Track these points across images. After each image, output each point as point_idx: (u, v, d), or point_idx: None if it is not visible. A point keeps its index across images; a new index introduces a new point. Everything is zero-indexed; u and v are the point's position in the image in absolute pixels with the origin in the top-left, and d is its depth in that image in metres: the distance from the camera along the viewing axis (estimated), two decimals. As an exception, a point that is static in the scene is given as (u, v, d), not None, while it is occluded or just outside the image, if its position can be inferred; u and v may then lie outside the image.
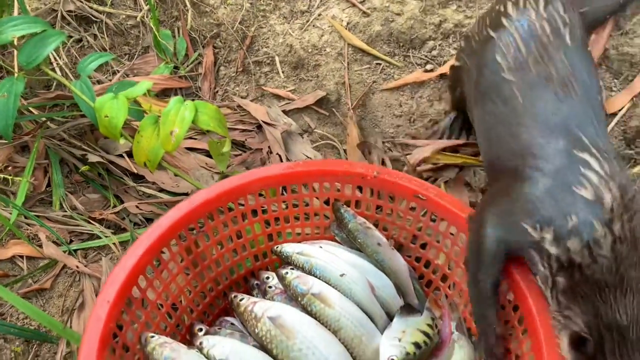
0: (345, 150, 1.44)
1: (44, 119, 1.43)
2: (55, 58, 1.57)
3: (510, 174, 0.91)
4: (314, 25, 1.58)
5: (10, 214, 1.23)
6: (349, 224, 1.09)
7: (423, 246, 1.11)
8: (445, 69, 1.48)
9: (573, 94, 0.91)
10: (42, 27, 1.19)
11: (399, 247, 1.12)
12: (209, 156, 1.45)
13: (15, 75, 1.21)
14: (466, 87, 1.17)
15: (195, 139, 1.51)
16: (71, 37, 1.65)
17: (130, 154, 1.42)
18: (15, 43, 1.20)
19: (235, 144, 1.47)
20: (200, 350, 0.90)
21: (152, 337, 0.90)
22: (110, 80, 1.60)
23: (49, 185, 1.39)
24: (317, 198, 1.14)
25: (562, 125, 0.89)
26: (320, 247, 1.08)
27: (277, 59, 1.57)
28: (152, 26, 1.59)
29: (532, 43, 0.96)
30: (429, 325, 1.00)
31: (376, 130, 1.46)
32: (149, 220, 1.30)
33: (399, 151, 1.40)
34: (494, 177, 1.03)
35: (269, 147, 1.46)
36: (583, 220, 0.78)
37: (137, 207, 1.33)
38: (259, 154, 1.46)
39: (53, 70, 1.51)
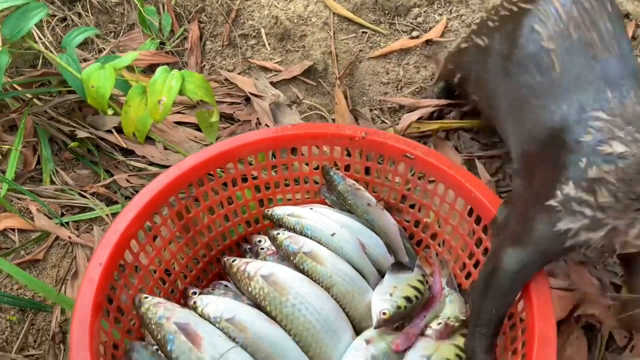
0: (334, 120, 1.44)
1: (30, 96, 1.42)
2: (40, 37, 1.56)
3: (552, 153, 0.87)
4: (299, -4, 1.57)
5: (1, 188, 1.22)
6: (338, 186, 1.10)
7: (412, 206, 1.12)
8: (431, 35, 1.49)
9: (614, 59, 0.91)
10: (24, 0, 1.18)
11: (389, 208, 1.13)
12: (198, 130, 1.45)
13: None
14: (476, 68, 1.15)
15: (184, 113, 1.51)
16: (55, 15, 1.64)
17: (119, 130, 1.42)
18: (-2, 17, 1.20)
19: (224, 117, 1.48)
20: (195, 309, 0.91)
21: (146, 297, 0.90)
22: (96, 57, 1.60)
23: (38, 163, 1.38)
24: (306, 163, 1.15)
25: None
26: (311, 208, 1.08)
27: (262, 31, 1.57)
28: (137, 3, 1.58)
29: (574, 9, 0.96)
30: (419, 281, 1.01)
31: (364, 99, 1.46)
32: (140, 193, 1.30)
33: (386, 118, 1.41)
34: (528, 168, 0.95)
35: (257, 118, 1.46)
36: None
37: (127, 180, 1.33)
38: (248, 125, 1.47)
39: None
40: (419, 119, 1.33)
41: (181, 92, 1.17)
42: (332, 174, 1.11)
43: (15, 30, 1.16)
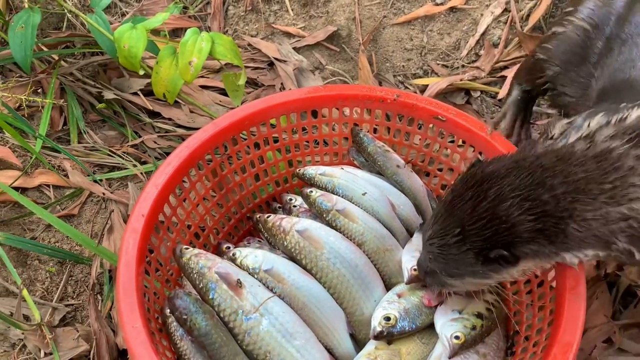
0: (357, 86, 1.45)
1: (56, 57, 1.43)
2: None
3: None
4: (322, -40, 1.57)
5: (35, 146, 1.24)
6: (368, 148, 1.12)
7: (440, 169, 1.14)
8: (455, 2, 1.49)
9: None
10: (57, -41, 1.18)
11: (417, 170, 1.15)
12: (223, 93, 1.46)
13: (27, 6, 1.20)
14: (580, 50, 1.04)
15: (208, 77, 1.52)
16: (78, -22, 1.64)
17: (145, 92, 1.43)
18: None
19: (248, 82, 1.49)
20: (233, 260, 0.94)
21: (187, 248, 0.93)
22: (120, 21, 1.60)
23: (64, 124, 1.40)
24: (336, 124, 1.17)
25: None
26: (342, 168, 1.11)
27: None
28: (161, -35, 1.58)
29: None
30: (447, 240, 1.04)
31: (387, 65, 1.48)
32: (168, 154, 1.32)
33: (410, 84, 1.43)
34: None
35: (281, 83, 1.48)
36: None
37: (154, 142, 1.35)
38: (272, 90, 1.48)
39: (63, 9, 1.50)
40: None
41: (211, 54, 1.19)
42: (361, 135, 1.13)
43: (48, -11, 1.16)
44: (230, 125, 1.04)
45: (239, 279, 0.89)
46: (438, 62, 1.45)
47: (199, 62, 1.17)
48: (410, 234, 1.07)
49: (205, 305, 0.88)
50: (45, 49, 1.46)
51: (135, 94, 1.44)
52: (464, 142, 1.08)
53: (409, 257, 0.99)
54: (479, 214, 0.77)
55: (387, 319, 0.91)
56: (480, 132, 1.04)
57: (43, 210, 0.98)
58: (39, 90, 1.45)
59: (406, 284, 0.97)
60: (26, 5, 1.31)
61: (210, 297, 0.88)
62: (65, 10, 1.31)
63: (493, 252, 0.78)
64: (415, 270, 0.95)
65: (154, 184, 0.95)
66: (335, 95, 1.10)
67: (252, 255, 0.94)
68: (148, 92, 1.43)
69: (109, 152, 1.30)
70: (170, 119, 1.42)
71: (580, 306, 0.85)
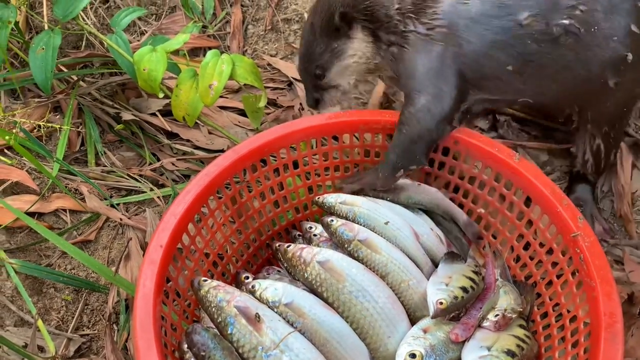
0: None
1: (76, 77, 1.43)
2: (83, 17, 1.56)
3: None
4: (344, -19, 1.55)
5: (51, 170, 1.23)
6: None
7: (465, 196, 1.11)
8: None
9: None
10: (77, -19, 1.18)
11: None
12: (242, 114, 1.45)
13: (47, 27, 1.20)
14: None
15: (227, 97, 1.50)
16: (98, -3, 1.64)
17: (163, 113, 1.42)
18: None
19: (267, 102, 1.46)
20: (253, 293, 0.91)
21: (205, 280, 0.90)
22: (139, 40, 1.60)
23: (82, 145, 1.39)
24: (357, 148, 1.14)
25: None
26: (363, 195, 1.08)
27: (306, 15, 1.55)
28: (181, -16, 1.57)
29: None
30: (473, 271, 1.00)
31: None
32: (186, 177, 1.31)
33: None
34: None
35: (300, 104, 1.46)
36: None
37: (173, 164, 1.33)
38: (291, 111, 1.46)
39: (82, 29, 1.50)
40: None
41: (232, 76, 1.17)
42: None
43: (68, 10, 1.16)
44: (250, 152, 1.02)
45: (257, 313, 0.86)
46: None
47: (219, 85, 1.15)
48: (436, 265, 1.03)
49: (224, 341, 0.85)
50: (64, 69, 1.45)
51: (153, 114, 1.43)
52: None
53: (434, 290, 0.96)
54: (317, 7, 1.06)
55: (413, 355, 0.87)
56: (507, 159, 1.00)
57: (59, 238, 0.97)
58: (57, 108, 1.44)
59: (432, 318, 0.93)
60: (46, 27, 1.31)
61: (229, 332, 0.85)
62: (85, 31, 1.30)
63: (335, 17, 1.01)
64: (441, 303, 0.92)
65: (172, 213, 0.93)
66: (356, 121, 1.07)
67: (272, 287, 0.91)
68: (166, 113, 1.41)
69: (129, 175, 1.29)
70: (188, 140, 1.40)
71: (618, 347, 0.81)
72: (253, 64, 1.20)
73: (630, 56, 0.97)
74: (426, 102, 0.99)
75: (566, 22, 0.94)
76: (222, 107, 1.46)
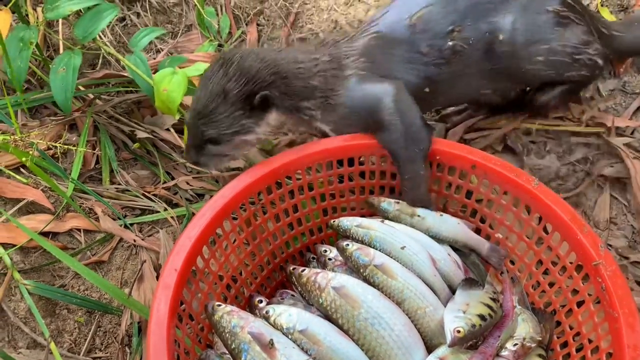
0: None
1: (92, 96, 1.43)
2: (100, 36, 1.58)
3: None
4: (359, 0, 1.55)
5: (67, 188, 1.23)
6: (389, 214, 1.09)
7: (483, 221, 1.09)
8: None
9: None
10: (96, 1, 1.19)
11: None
12: (256, 133, 1.44)
13: (63, 45, 1.21)
14: None
15: (241, 116, 1.50)
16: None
17: (177, 129, 1.42)
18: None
19: (282, 122, 1.46)
20: (267, 319, 0.90)
21: (219, 305, 0.90)
22: (155, 58, 1.60)
23: (96, 163, 1.39)
24: (372, 172, 1.13)
25: None
26: (382, 221, 1.06)
27: (321, 35, 1.56)
28: (197, 3, 1.58)
29: None
30: (491, 298, 0.98)
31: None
32: (200, 196, 1.30)
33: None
34: None
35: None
36: None
37: (187, 183, 1.33)
38: (306, 135, 1.45)
39: (99, 49, 1.51)
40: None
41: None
42: (376, 204, 1.10)
43: (88, 31, 1.17)
44: (265, 175, 1.01)
45: (271, 340, 0.85)
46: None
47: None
48: (453, 291, 1.01)
49: (238, 369, 0.84)
50: (81, 87, 1.46)
51: (167, 130, 1.43)
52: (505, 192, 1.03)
53: (451, 317, 0.94)
54: (233, 74, 1.00)
55: (430, 385, 0.86)
56: (526, 185, 0.99)
57: (72, 260, 0.96)
58: (72, 126, 1.45)
59: (449, 346, 0.91)
60: (61, 44, 1.31)
61: (243, 358, 0.84)
62: (103, 51, 1.30)
63: (257, 97, 1.01)
64: (459, 332, 0.90)
65: (187, 237, 0.92)
66: (372, 144, 1.06)
67: (287, 313, 0.90)
68: (180, 129, 1.41)
69: (143, 194, 1.29)
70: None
71: (642, 382, 0.78)
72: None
73: (501, 36, 1.11)
74: (392, 97, 1.05)
75: (451, 43, 1.10)
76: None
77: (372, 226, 1.04)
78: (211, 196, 1.00)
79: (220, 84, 1.01)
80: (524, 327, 0.96)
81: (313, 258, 1.10)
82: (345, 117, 1.08)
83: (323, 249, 1.07)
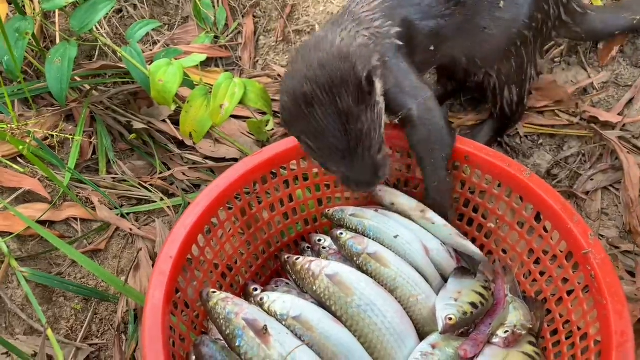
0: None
1: (88, 86, 1.44)
2: (97, 27, 1.58)
3: None
4: (355, -7, 1.56)
5: (64, 177, 1.24)
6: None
7: (475, 210, 1.10)
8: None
9: None
10: (93, -8, 1.19)
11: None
12: (251, 124, 1.45)
13: (60, 36, 1.22)
14: None
15: (238, 106, 1.50)
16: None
17: (173, 121, 1.43)
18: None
19: (277, 113, 1.47)
20: (261, 305, 0.91)
21: (214, 292, 0.91)
22: (151, 50, 1.61)
23: (93, 153, 1.40)
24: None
25: None
26: (376, 210, 1.07)
27: (317, 27, 1.56)
28: (194, -5, 1.59)
29: None
30: (483, 287, 1.00)
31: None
32: (196, 187, 1.32)
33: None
34: None
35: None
36: None
37: (183, 173, 1.34)
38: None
39: (96, 40, 1.52)
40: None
41: (242, 101, 1.18)
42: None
43: (84, 22, 1.17)
44: (260, 164, 1.02)
45: (265, 326, 0.86)
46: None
47: (229, 106, 1.16)
48: (445, 280, 1.03)
49: (232, 354, 0.85)
50: (77, 78, 1.47)
51: (163, 121, 1.44)
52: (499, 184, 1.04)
53: (443, 305, 0.95)
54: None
55: (421, 372, 0.87)
56: (519, 175, 1.00)
57: (69, 247, 0.97)
58: (69, 117, 1.45)
59: (441, 333, 0.92)
60: (58, 36, 1.32)
61: (237, 344, 0.85)
62: (99, 42, 1.31)
63: (363, 82, 0.91)
64: (450, 319, 0.91)
65: (182, 225, 0.93)
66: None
67: (281, 300, 0.91)
68: (177, 121, 1.42)
69: (140, 184, 1.29)
70: (201, 147, 1.40)
71: (629, 367, 0.80)
72: (264, 89, 1.21)
73: (502, 3, 1.12)
74: (422, 100, 1.03)
75: None
76: (231, 116, 1.47)
77: (366, 215, 1.05)
78: (207, 186, 1.01)
79: (326, 109, 0.90)
80: (515, 315, 0.97)
81: (308, 247, 1.12)
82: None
83: (317, 238, 1.09)
